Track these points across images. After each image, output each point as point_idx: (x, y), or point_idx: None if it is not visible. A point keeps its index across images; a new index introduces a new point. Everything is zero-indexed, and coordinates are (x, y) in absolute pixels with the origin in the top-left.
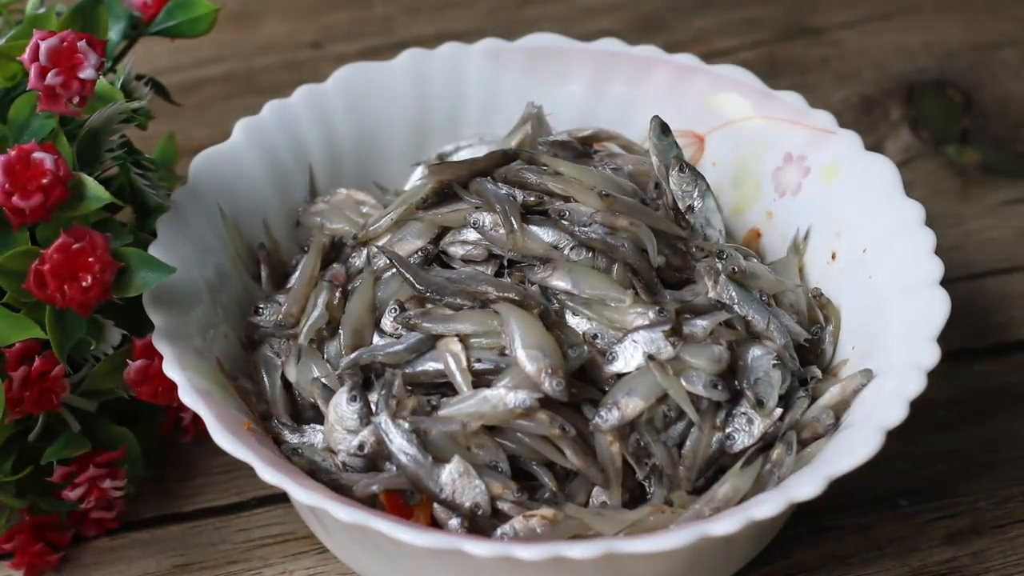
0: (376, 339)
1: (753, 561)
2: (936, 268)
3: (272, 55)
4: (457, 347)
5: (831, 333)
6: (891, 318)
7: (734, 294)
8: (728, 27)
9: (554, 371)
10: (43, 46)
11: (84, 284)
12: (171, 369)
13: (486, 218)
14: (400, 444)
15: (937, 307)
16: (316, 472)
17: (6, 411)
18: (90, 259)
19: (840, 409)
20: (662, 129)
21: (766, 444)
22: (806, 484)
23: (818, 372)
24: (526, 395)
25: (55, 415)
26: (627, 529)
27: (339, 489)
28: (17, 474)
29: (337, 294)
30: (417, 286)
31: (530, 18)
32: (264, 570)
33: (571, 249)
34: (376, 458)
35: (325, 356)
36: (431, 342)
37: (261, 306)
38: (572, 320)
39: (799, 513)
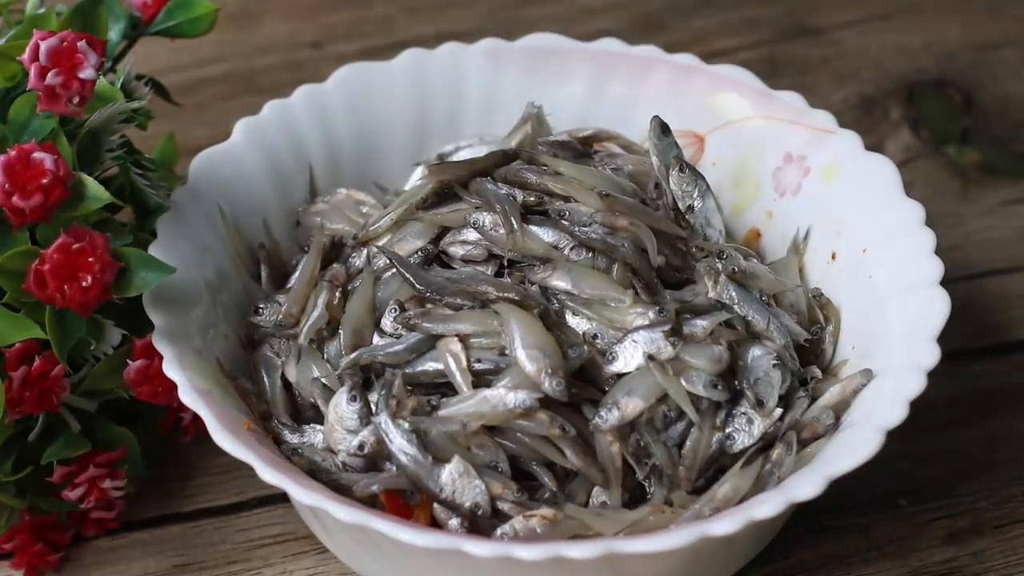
0: (376, 339)
1: (753, 561)
2: (936, 268)
3: (272, 55)
4: (457, 347)
5: (831, 333)
6: (891, 318)
7: (734, 294)
8: (728, 27)
9: (554, 371)
10: (43, 46)
11: (84, 284)
12: (171, 369)
13: (486, 218)
14: (400, 444)
15: (937, 307)
16: (316, 472)
17: (6, 411)
18: (90, 259)
19: (840, 409)
20: (662, 129)
21: (766, 444)
22: (806, 484)
23: (818, 372)
24: (526, 395)
25: (55, 415)
26: (627, 529)
27: (339, 489)
28: (17, 474)
29: (337, 294)
30: (417, 286)
31: (530, 18)
32: (264, 570)
33: (571, 249)
34: (376, 458)
35: (325, 356)
36: (431, 342)
37: (261, 306)
38: (572, 320)
39: (799, 513)
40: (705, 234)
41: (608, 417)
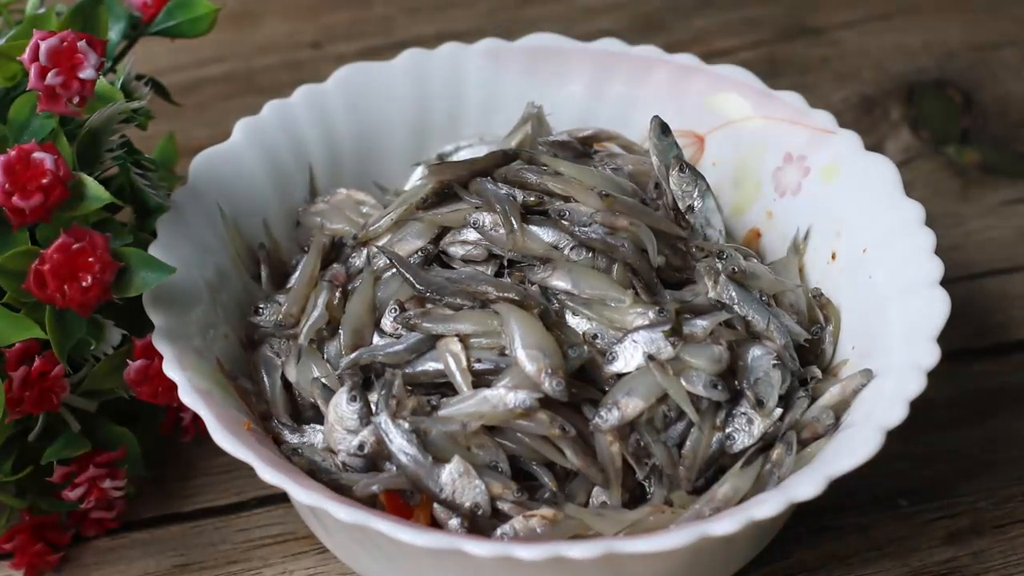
0: (376, 339)
1: (753, 561)
2: (936, 268)
3: (272, 55)
4: (457, 347)
5: (831, 333)
6: (891, 318)
7: (734, 294)
8: (728, 27)
9: (554, 371)
10: (43, 46)
11: (84, 284)
12: (171, 369)
13: (486, 218)
14: (400, 444)
15: (937, 307)
16: (316, 472)
17: (6, 411)
18: (90, 259)
19: (840, 409)
20: (662, 129)
21: (766, 444)
22: (806, 484)
23: (818, 372)
24: (526, 395)
25: (55, 415)
26: (627, 529)
27: (339, 489)
28: (17, 474)
29: (337, 294)
30: (417, 286)
31: (530, 18)
32: (264, 570)
33: (571, 249)
34: (376, 458)
35: (325, 356)
36: (431, 342)
37: (261, 306)
38: (572, 320)
39: (799, 513)
40: (705, 234)
41: (608, 417)
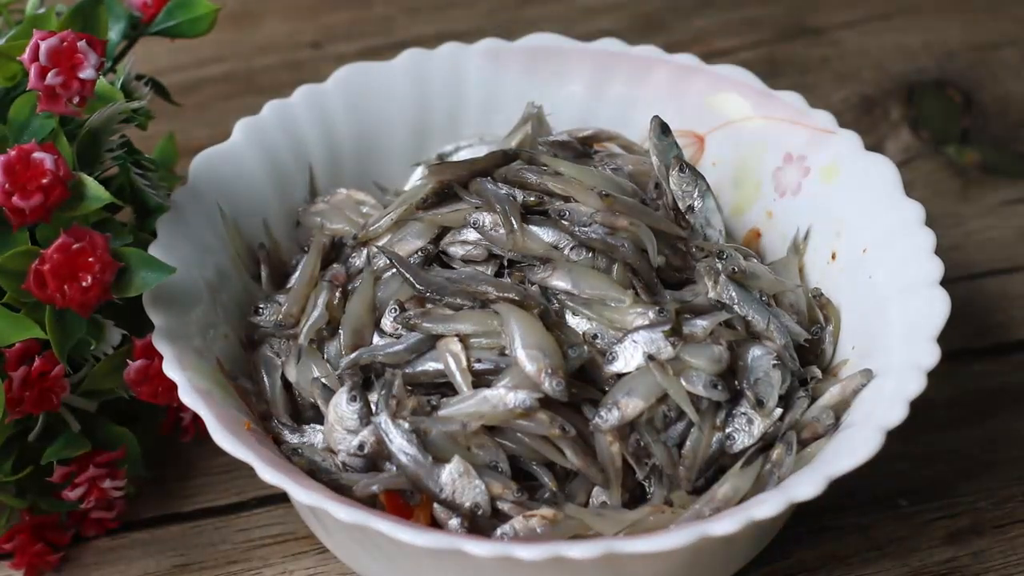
0: (376, 339)
1: (753, 561)
2: (936, 268)
3: (272, 55)
4: (457, 347)
5: (831, 333)
6: (891, 318)
7: (734, 294)
8: (728, 27)
9: (554, 371)
10: (43, 46)
11: (84, 284)
12: (171, 369)
13: (486, 218)
14: (400, 444)
15: (937, 307)
16: (316, 472)
17: (6, 411)
18: (90, 259)
19: (840, 409)
20: (662, 129)
21: (766, 444)
22: (806, 484)
23: (818, 372)
24: (526, 395)
25: (55, 415)
26: (627, 529)
27: (339, 489)
28: (17, 474)
29: (337, 294)
30: (417, 286)
31: (530, 18)
32: (264, 570)
33: (571, 249)
34: (376, 458)
35: (325, 356)
36: (431, 342)
37: (261, 306)
38: (572, 320)
39: (799, 513)
40: (705, 234)
41: (608, 417)
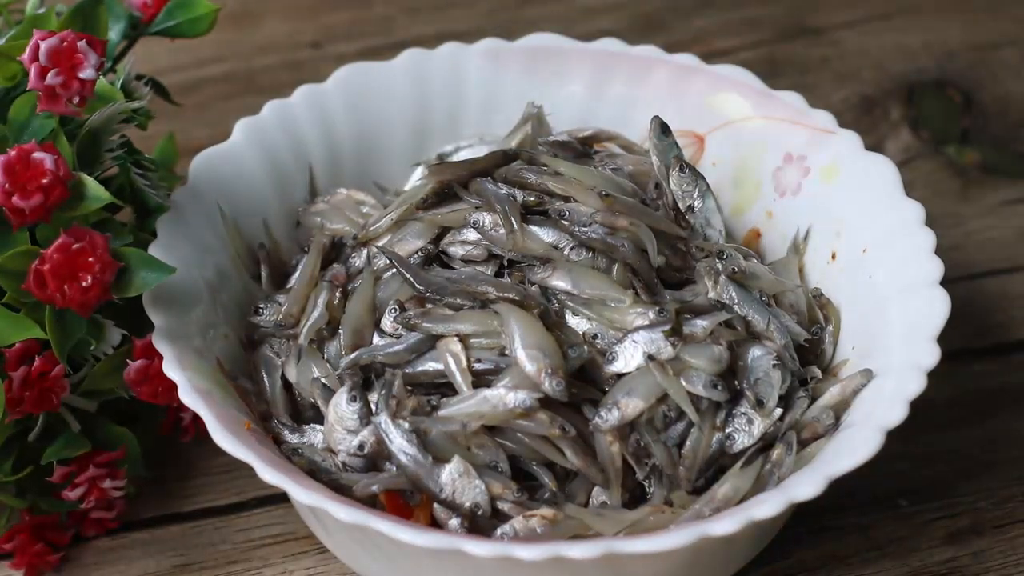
0: (376, 339)
1: (753, 561)
2: (936, 268)
3: (272, 55)
4: (457, 347)
5: (831, 333)
6: (891, 318)
7: (734, 294)
8: (728, 27)
9: (554, 371)
10: (43, 46)
11: (84, 284)
12: (171, 369)
13: (486, 218)
14: (400, 444)
15: (937, 307)
16: (316, 472)
17: (6, 411)
18: (90, 259)
19: (840, 409)
20: (662, 129)
21: (766, 444)
22: (806, 484)
23: (818, 372)
24: (526, 395)
25: (55, 415)
26: (627, 529)
27: (339, 489)
28: (17, 474)
29: (337, 294)
30: (417, 286)
31: (530, 18)
32: (264, 570)
33: (571, 249)
34: (376, 458)
35: (325, 356)
36: (431, 342)
37: (261, 306)
38: (572, 320)
39: (799, 513)
40: (705, 234)
41: (608, 417)
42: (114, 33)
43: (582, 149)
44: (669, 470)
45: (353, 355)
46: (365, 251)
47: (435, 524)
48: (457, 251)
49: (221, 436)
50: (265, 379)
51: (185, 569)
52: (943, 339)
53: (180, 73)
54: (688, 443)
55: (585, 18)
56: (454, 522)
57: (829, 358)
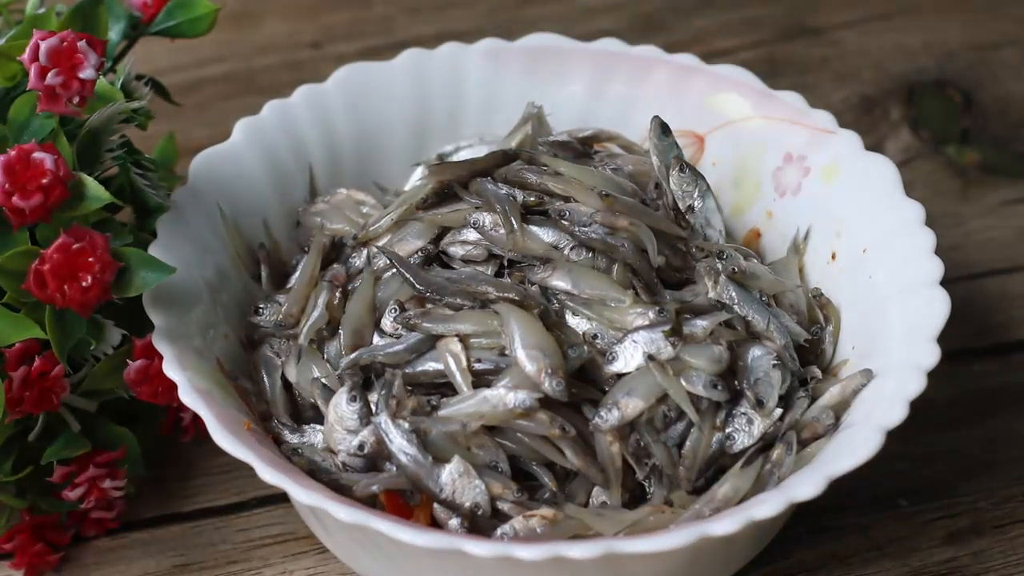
0: (376, 339)
1: (753, 561)
2: (936, 268)
3: (272, 55)
4: (457, 347)
5: (831, 333)
6: (891, 318)
7: (734, 294)
8: (728, 27)
9: (554, 371)
10: (43, 46)
11: (84, 284)
12: (171, 369)
13: (486, 218)
14: (400, 444)
15: (937, 307)
16: (316, 472)
17: (6, 411)
18: (90, 259)
19: (840, 409)
20: (662, 129)
21: (766, 444)
22: (806, 484)
23: (818, 372)
24: (526, 395)
25: (55, 415)
26: (627, 529)
27: (339, 489)
28: (17, 474)
29: (337, 294)
30: (417, 286)
31: (530, 18)
32: (264, 570)
33: (571, 249)
34: (376, 458)
35: (325, 356)
36: (431, 342)
37: (261, 306)
38: (572, 320)
39: (799, 513)
40: (705, 234)
41: (608, 417)
42: (114, 33)
43: (582, 149)
44: (669, 470)
45: (353, 355)
46: (365, 251)
47: (435, 524)
48: (457, 251)
49: (221, 436)
50: (265, 379)
51: (185, 569)
52: (943, 339)
53: (180, 73)
54: (688, 443)
55: (585, 18)
56: (454, 522)
57: (829, 358)
